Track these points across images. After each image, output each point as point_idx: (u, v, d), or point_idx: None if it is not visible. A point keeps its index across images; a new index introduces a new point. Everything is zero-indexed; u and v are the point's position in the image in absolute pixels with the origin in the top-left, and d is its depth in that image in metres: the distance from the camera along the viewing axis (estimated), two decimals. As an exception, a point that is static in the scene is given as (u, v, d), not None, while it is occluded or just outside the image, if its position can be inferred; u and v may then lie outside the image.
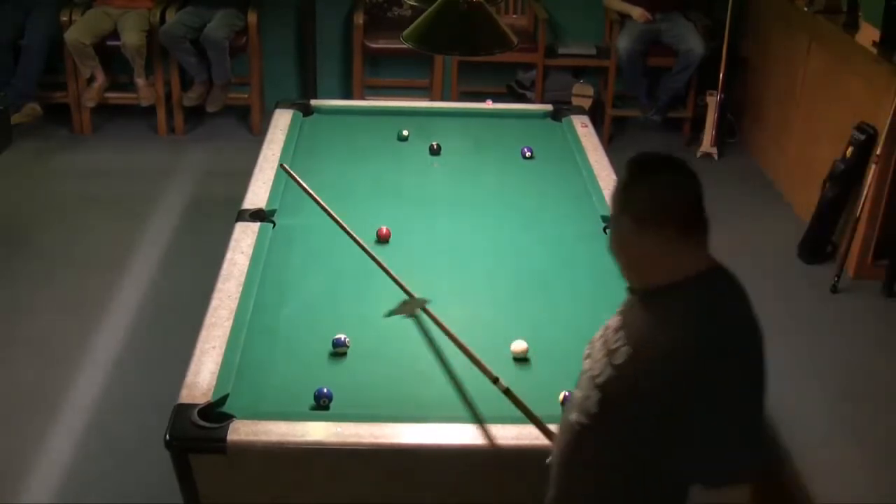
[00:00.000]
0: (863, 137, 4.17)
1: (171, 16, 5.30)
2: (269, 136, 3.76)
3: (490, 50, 2.45)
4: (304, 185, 2.63)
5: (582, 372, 1.75)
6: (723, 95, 5.36)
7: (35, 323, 3.78)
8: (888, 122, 4.02)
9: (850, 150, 4.24)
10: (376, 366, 2.44)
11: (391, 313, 2.32)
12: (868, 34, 4.43)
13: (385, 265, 2.48)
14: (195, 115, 5.59)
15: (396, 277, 2.41)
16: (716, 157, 5.47)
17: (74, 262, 4.20)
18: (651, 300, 1.65)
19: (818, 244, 4.44)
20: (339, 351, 2.48)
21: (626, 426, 1.61)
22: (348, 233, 2.51)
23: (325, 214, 2.62)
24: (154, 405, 2.70)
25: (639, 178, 1.65)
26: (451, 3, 2.30)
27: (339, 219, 2.53)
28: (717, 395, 1.55)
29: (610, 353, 1.63)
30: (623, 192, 1.65)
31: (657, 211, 1.60)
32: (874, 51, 4.25)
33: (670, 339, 1.58)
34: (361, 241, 2.51)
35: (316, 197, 2.58)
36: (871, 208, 4.18)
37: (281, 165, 2.85)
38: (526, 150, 3.76)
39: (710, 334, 1.58)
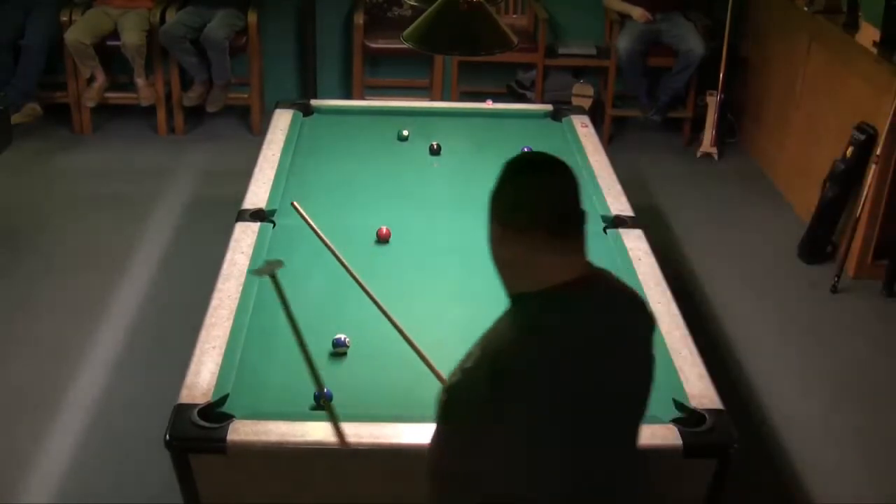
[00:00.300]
0: (863, 137, 4.17)
1: (171, 16, 5.30)
2: (269, 136, 3.76)
3: (490, 50, 2.45)
4: (313, 224, 2.63)
5: None
6: (723, 95, 5.36)
7: (35, 323, 3.78)
8: (888, 122, 4.02)
9: (850, 150, 4.24)
10: (376, 366, 2.44)
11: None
12: (868, 34, 4.43)
13: (407, 332, 2.43)
14: (195, 115, 5.59)
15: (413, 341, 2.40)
16: (716, 157, 5.47)
17: (74, 262, 4.19)
18: (514, 307, 1.59)
19: (818, 244, 4.44)
20: (339, 351, 2.48)
21: (459, 432, 1.55)
22: (354, 277, 2.48)
23: (324, 216, 2.61)
24: (154, 405, 2.70)
25: (506, 182, 1.58)
26: (451, 3, 2.30)
27: (345, 261, 2.51)
28: (520, 417, 1.49)
29: (465, 358, 1.56)
30: (491, 197, 1.59)
31: (520, 216, 1.54)
32: (874, 51, 4.25)
33: (493, 350, 1.52)
34: (368, 288, 2.48)
35: (324, 237, 2.57)
36: (871, 208, 4.17)
37: (291, 204, 2.86)
38: (526, 150, 3.75)
39: (532, 350, 1.52)
